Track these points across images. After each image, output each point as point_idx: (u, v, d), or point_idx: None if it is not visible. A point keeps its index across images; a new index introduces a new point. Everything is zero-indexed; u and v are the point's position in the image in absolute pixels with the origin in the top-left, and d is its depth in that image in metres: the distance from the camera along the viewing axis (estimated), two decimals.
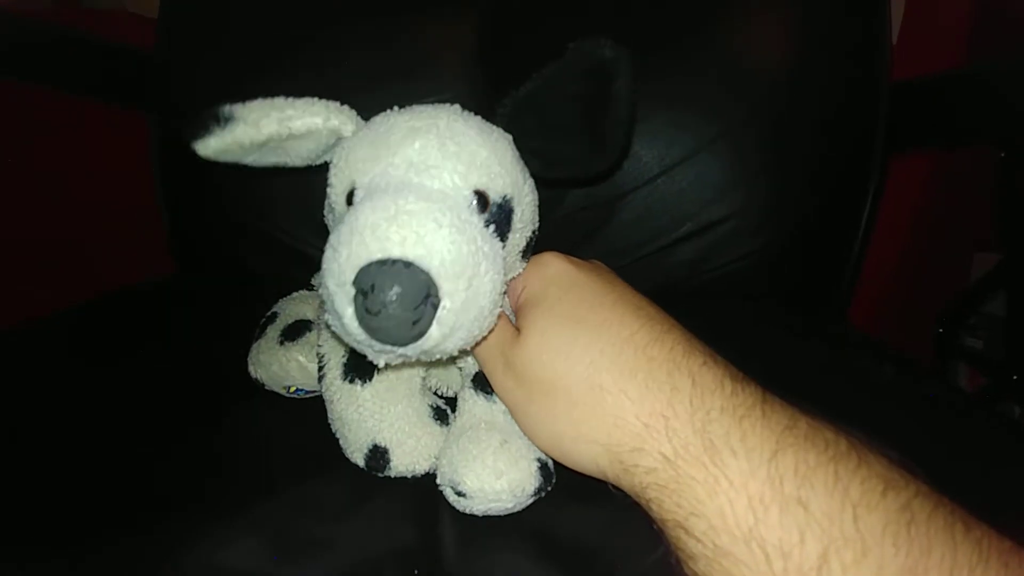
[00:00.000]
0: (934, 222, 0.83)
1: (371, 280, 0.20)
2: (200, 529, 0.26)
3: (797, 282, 0.54)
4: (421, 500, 0.28)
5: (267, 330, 0.35)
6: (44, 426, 0.34)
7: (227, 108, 0.25)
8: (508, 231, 0.26)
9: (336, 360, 0.29)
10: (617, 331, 0.24)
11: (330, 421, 0.30)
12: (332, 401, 0.29)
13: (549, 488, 0.27)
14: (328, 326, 0.25)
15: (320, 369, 0.30)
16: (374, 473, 0.29)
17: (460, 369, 0.31)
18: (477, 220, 0.24)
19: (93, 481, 0.30)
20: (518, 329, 0.26)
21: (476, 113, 0.27)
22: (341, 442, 0.29)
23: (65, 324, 0.46)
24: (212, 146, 0.25)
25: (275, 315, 0.37)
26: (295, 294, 0.39)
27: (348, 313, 0.21)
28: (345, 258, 0.21)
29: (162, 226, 0.58)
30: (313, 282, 0.40)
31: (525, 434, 0.26)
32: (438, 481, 0.27)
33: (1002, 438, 0.36)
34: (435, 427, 0.29)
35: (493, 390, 0.27)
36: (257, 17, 0.53)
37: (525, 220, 0.28)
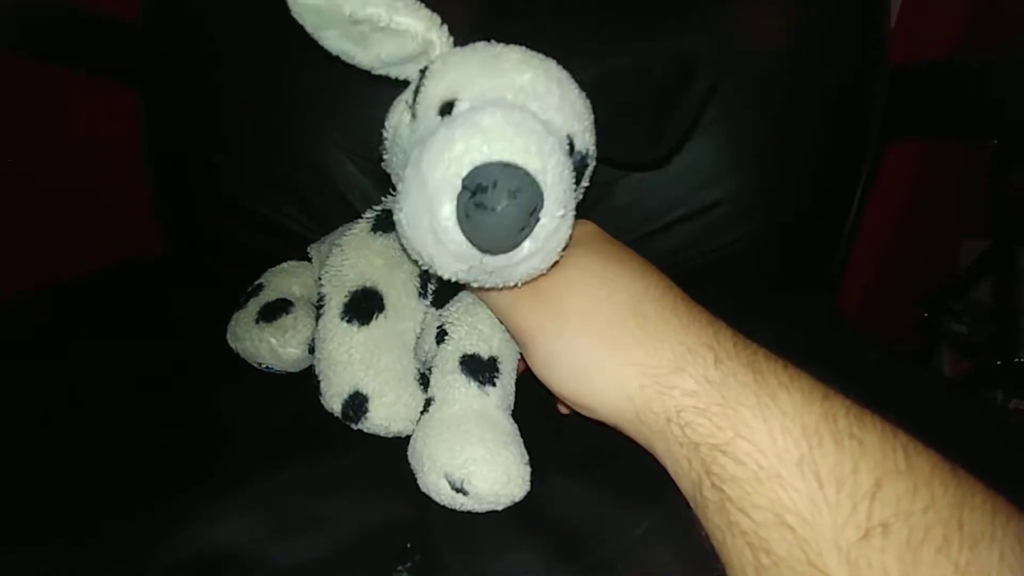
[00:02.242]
0: (923, 209, 0.83)
1: (493, 177, 0.20)
2: (194, 508, 0.27)
3: (787, 267, 0.54)
4: (411, 477, 0.28)
5: (249, 303, 0.35)
6: (34, 407, 0.34)
7: None
8: (580, 182, 0.27)
9: (338, 299, 0.29)
10: (659, 277, 0.25)
11: (315, 362, 0.30)
12: (325, 340, 0.29)
13: None
14: (397, 231, 0.24)
15: (319, 308, 0.30)
16: (348, 423, 0.29)
17: (442, 336, 0.30)
18: (568, 160, 0.24)
19: (85, 461, 0.30)
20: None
21: None
22: (322, 385, 0.29)
23: (54, 302, 0.46)
24: None
25: (260, 287, 0.37)
26: (284, 264, 0.39)
27: (446, 211, 0.21)
28: (462, 151, 0.20)
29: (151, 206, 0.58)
30: (309, 251, 0.39)
31: (540, 369, 0.25)
32: (425, 469, 0.26)
33: (986, 423, 0.37)
34: (417, 389, 0.29)
35: (485, 378, 0.27)
36: None
37: (586, 181, 0.29)
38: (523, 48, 0.27)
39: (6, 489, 0.28)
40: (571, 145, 0.26)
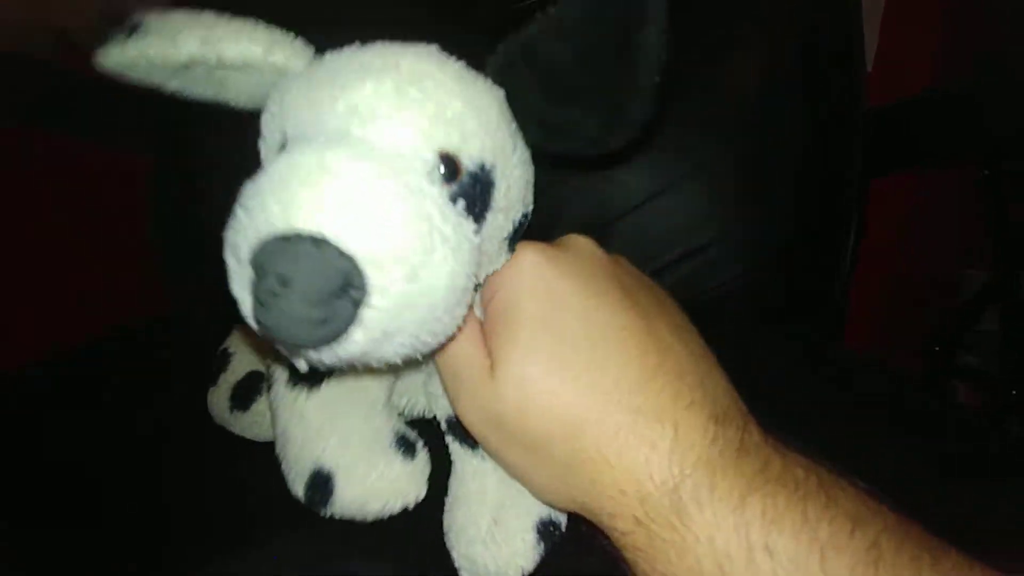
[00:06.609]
0: (919, 243, 0.84)
1: (265, 262, 0.15)
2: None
3: (787, 306, 0.54)
4: (416, 554, 0.26)
5: (219, 379, 0.33)
6: (23, 474, 0.33)
7: (139, 16, 0.20)
8: (486, 210, 0.20)
9: (284, 363, 0.24)
10: (600, 379, 0.21)
11: (275, 444, 0.25)
12: (277, 416, 0.25)
13: (552, 543, 0.24)
14: None
15: (268, 377, 0.26)
16: (315, 509, 0.24)
17: (425, 386, 0.26)
18: (439, 192, 0.18)
19: (70, 534, 0.29)
20: (488, 352, 0.22)
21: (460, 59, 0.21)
22: (283, 467, 0.24)
23: (54, 367, 0.46)
24: (113, 57, 0.20)
25: (227, 356, 0.33)
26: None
27: (246, 301, 0.17)
28: (244, 227, 0.16)
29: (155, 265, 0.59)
30: None
31: (509, 474, 0.23)
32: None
33: (1001, 452, 0.36)
34: (395, 457, 0.24)
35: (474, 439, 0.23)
36: None
37: (512, 199, 0.21)
38: (382, 46, 0.20)
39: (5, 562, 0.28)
40: (451, 164, 0.19)
